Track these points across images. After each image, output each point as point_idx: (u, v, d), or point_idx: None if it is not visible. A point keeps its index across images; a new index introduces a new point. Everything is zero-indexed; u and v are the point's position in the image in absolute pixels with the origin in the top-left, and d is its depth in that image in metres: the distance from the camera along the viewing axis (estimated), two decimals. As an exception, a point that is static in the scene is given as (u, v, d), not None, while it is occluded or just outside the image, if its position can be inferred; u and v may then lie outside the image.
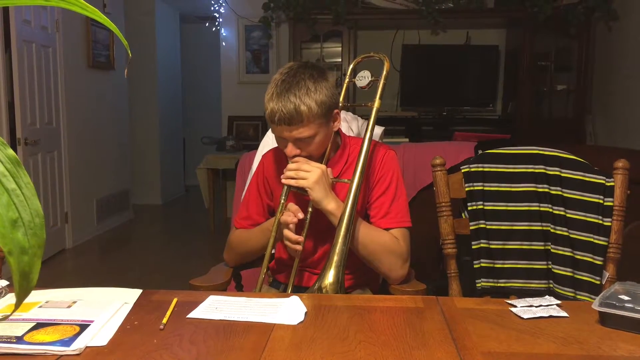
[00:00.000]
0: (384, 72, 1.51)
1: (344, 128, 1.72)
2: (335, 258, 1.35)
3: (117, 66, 5.29)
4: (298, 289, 1.51)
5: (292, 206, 1.41)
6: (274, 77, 1.43)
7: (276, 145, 1.86)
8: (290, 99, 1.35)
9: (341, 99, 1.58)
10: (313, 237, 1.52)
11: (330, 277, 1.34)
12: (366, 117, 1.86)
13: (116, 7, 5.23)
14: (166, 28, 6.61)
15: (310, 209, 1.43)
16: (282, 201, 1.43)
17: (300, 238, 1.41)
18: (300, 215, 1.40)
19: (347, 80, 1.64)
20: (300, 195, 1.46)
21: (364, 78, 1.58)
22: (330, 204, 1.39)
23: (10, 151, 0.60)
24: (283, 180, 1.41)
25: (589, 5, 4.62)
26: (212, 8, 5.39)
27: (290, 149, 1.41)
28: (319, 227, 1.48)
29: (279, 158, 1.58)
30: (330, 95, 1.40)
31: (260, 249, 1.54)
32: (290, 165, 1.41)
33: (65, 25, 4.40)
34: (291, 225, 1.40)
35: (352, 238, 1.40)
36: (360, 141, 1.49)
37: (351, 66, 1.63)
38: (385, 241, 1.44)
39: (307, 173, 1.38)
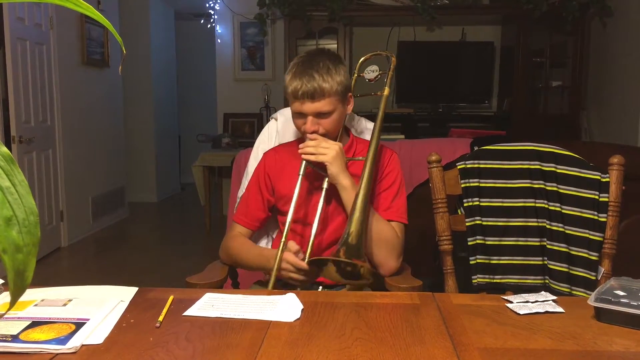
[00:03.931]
0: (392, 65, 1.69)
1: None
2: (356, 214, 1.39)
3: (111, 63, 5.26)
4: (295, 286, 1.52)
5: (293, 246, 1.45)
6: (293, 61, 1.53)
7: (271, 142, 1.88)
8: (314, 75, 1.46)
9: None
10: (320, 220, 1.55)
11: (353, 227, 1.37)
12: (362, 114, 1.92)
13: (110, 4, 5.20)
14: (161, 25, 6.59)
15: (325, 186, 1.50)
16: (301, 174, 1.50)
17: (303, 264, 1.43)
18: (301, 256, 1.44)
19: (355, 74, 1.73)
20: (315, 172, 1.53)
21: (372, 72, 1.71)
22: (346, 179, 1.48)
23: (4, 149, 0.59)
24: (303, 156, 1.49)
25: (583, 2, 4.62)
26: (207, 5, 5.37)
27: (310, 125, 1.49)
28: (326, 210, 1.54)
29: (280, 156, 1.64)
30: (346, 77, 1.52)
31: (254, 269, 1.59)
32: (310, 142, 1.49)
33: (59, 23, 4.37)
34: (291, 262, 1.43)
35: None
36: (366, 143, 1.59)
37: (360, 61, 1.74)
38: (386, 231, 1.50)
39: (326, 149, 1.47)
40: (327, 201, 1.53)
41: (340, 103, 1.51)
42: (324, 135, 1.51)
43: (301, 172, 1.50)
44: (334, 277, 1.41)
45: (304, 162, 1.50)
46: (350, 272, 1.37)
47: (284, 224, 1.63)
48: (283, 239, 1.47)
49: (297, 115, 1.53)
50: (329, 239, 1.57)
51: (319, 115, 1.49)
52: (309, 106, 1.48)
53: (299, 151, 1.50)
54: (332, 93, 1.47)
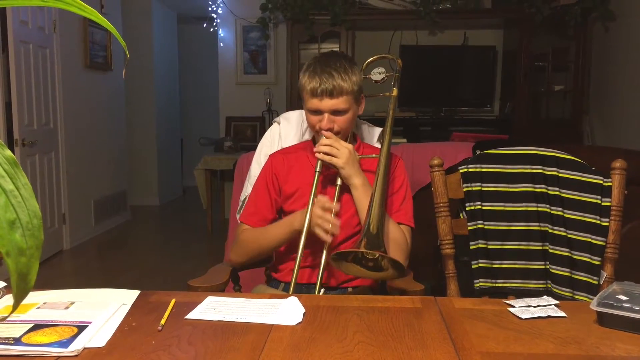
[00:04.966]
0: (398, 67, 1.74)
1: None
2: (374, 209, 1.39)
3: (114, 67, 5.28)
4: (299, 287, 1.54)
5: (322, 197, 1.48)
6: (308, 62, 1.58)
7: (274, 146, 1.89)
8: (332, 73, 1.52)
9: None
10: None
11: (373, 219, 1.37)
12: (365, 118, 1.95)
13: (113, 8, 5.22)
14: (163, 29, 6.61)
15: (339, 182, 1.54)
16: (318, 170, 1.53)
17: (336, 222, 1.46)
18: (331, 206, 1.47)
19: (362, 76, 1.73)
20: (326, 167, 1.56)
21: (379, 73, 1.74)
22: (359, 179, 1.52)
23: (8, 152, 0.60)
24: (317, 156, 1.53)
25: (586, 6, 4.62)
26: (210, 9, 5.39)
27: (327, 122, 1.54)
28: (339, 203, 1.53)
29: (287, 157, 1.67)
30: (360, 78, 1.58)
31: (276, 243, 1.57)
32: (324, 140, 1.53)
33: (62, 26, 4.39)
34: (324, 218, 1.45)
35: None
36: (373, 148, 1.65)
37: (366, 62, 1.77)
38: (397, 233, 1.52)
39: (338, 152, 1.51)
40: (339, 195, 1.56)
41: (354, 102, 1.56)
42: (337, 133, 1.55)
43: (318, 169, 1.53)
44: (356, 272, 1.40)
45: (318, 160, 1.54)
46: (373, 267, 1.37)
47: None
48: (318, 169, 1.51)
49: (313, 113, 1.56)
50: (342, 232, 1.57)
51: (335, 112, 1.54)
52: (327, 103, 1.52)
53: (316, 155, 1.53)
54: (349, 92, 1.52)
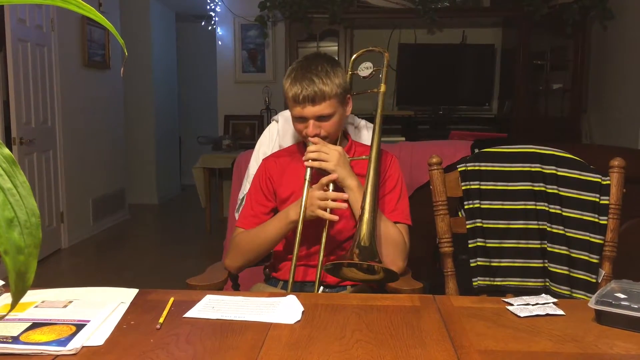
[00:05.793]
0: (385, 61, 1.66)
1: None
2: (365, 215, 1.40)
3: (112, 65, 5.27)
4: (297, 285, 1.54)
5: (317, 186, 1.48)
6: (291, 66, 1.55)
7: (272, 144, 1.89)
8: (313, 79, 1.48)
9: None
10: (313, 227, 1.54)
11: (364, 229, 1.37)
12: (362, 116, 1.93)
13: (112, 6, 5.21)
14: (162, 27, 6.60)
15: (331, 188, 1.50)
16: (308, 179, 1.50)
17: (345, 195, 1.48)
18: (329, 179, 1.48)
19: (349, 72, 1.70)
20: (319, 173, 1.53)
21: (366, 69, 1.69)
22: (353, 181, 1.50)
23: (6, 150, 0.59)
24: (306, 163, 1.50)
25: (584, 5, 4.62)
26: (208, 7, 5.38)
27: (312, 129, 1.51)
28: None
29: (280, 160, 1.65)
30: (344, 79, 1.54)
31: (272, 239, 1.55)
32: (311, 147, 1.51)
33: (60, 24, 4.38)
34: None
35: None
36: (365, 146, 1.62)
37: (352, 58, 1.71)
38: (394, 233, 1.51)
39: (328, 155, 1.49)
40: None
41: (340, 105, 1.53)
42: (325, 138, 1.53)
43: (307, 178, 1.49)
44: (353, 277, 1.41)
45: (308, 168, 1.51)
46: (366, 269, 1.39)
47: None
48: (308, 178, 1.48)
49: (298, 120, 1.54)
50: (337, 235, 1.58)
51: (320, 118, 1.50)
52: (310, 110, 1.49)
53: (305, 163, 1.50)
54: (332, 96, 1.49)
